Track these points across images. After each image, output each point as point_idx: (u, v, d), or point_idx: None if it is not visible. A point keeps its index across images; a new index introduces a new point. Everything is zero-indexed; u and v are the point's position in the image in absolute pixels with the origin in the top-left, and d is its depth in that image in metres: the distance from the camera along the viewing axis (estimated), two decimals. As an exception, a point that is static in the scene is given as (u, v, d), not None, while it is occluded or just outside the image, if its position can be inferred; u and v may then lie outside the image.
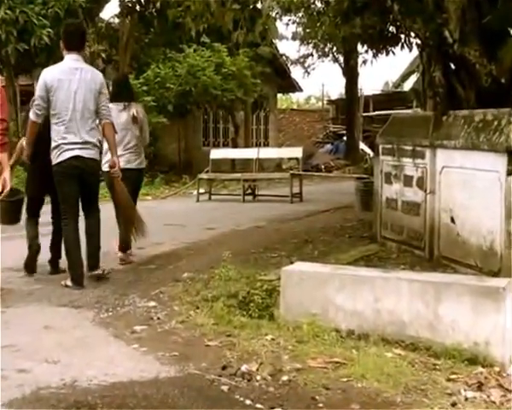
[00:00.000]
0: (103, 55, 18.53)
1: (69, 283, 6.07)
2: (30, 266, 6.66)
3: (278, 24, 21.65)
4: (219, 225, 10.34)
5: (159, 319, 4.93)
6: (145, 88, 17.85)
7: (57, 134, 6.09)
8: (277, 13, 20.00)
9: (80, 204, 6.43)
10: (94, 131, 6.27)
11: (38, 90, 6.15)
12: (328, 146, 27.16)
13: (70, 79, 6.09)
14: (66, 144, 6.08)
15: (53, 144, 6.13)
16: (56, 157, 6.12)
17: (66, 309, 5.25)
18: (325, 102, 35.46)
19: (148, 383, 3.65)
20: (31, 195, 6.77)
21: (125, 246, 7.31)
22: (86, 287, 5.97)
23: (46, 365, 3.91)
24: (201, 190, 14.96)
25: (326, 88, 49.72)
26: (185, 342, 4.37)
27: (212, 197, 14.93)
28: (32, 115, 6.23)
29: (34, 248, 6.70)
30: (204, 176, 15.48)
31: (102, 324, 4.84)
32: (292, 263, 5.71)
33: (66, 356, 4.06)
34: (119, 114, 7.24)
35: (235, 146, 22.25)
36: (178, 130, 20.82)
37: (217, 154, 16.85)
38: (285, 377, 3.70)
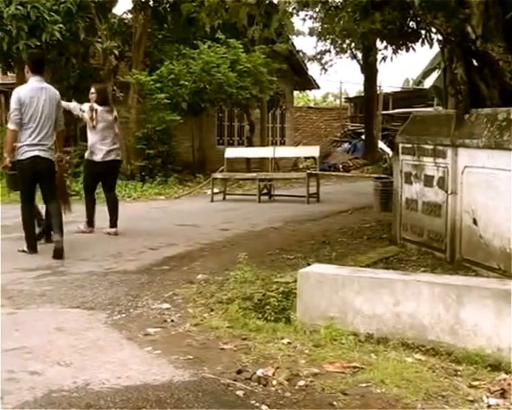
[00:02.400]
0: (116, 52, 18.57)
1: (25, 249, 7.93)
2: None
3: (295, 19, 21.68)
4: (234, 225, 10.36)
5: (172, 321, 4.94)
6: (158, 85, 17.90)
7: (25, 137, 7.75)
8: (294, 8, 19.95)
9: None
10: (51, 137, 7.99)
11: (14, 104, 7.80)
12: (346, 145, 27.08)
13: (38, 97, 7.82)
14: (30, 145, 7.76)
15: (20, 144, 7.78)
16: (22, 154, 7.78)
17: (78, 311, 5.28)
18: (343, 99, 35.38)
19: (162, 386, 3.66)
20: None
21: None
22: (98, 288, 6.00)
23: (58, 367, 3.93)
24: (216, 190, 14.98)
25: (344, 85, 49.50)
26: (199, 345, 4.38)
27: (227, 197, 14.94)
28: (11, 125, 7.88)
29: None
30: (218, 175, 15.49)
31: (115, 326, 4.86)
32: (309, 265, 5.71)
33: (79, 359, 4.08)
34: (107, 115, 9.62)
35: (250, 145, 22.22)
36: (192, 128, 20.84)
37: (232, 153, 16.85)
38: (302, 382, 3.70)
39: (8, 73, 19.38)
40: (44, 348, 4.28)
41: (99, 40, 18.12)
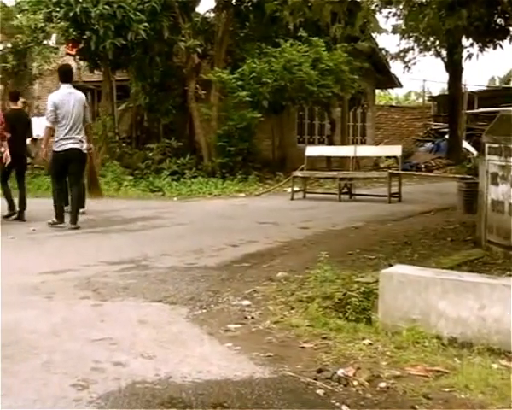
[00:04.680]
0: (199, 50, 18.83)
1: (55, 219, 9.85)
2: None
3: (378, 17, 21.40)
4: (314, 224, 10.34)
5: (253, 318, 4.96)
6: (240, 83, 18.03)
7: (61, 133, 9.76)
8: (377, 5, 19.69)
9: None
10: (82, 132, 9.96)
11: (50, 107, 9.91)
12: (429, 144, 26.62)
13: (68, 100, 9.84)
14: (65, 139, 9.73)
15: (56, 139, 9.81)
16: (58, 147, 9.77)
17: (160, 305, 5.36)
18: (426, 98, 34.80)
19: (242, 382, 3.67)
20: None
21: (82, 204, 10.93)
22: (180, 283, 6.08)
23: (141, 359, 4.00)
24: (296, 188, 14.98)
25: (427, 84, 48.75)
26: (280, 342, 4.39)
27: (307, 195, 14.93)
28: (47, 123, 10.05)
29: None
30: (299, 174, 15.48)
31: (196, 321, 4.91)
32: (390, 265, 5.63)
33: (161, 352, 4.15)
34: None
35: (330, 143, 22.14)
36: (273, 126, 20.91)
37: (312, 151, 16.82)
38: (383, 384, 3.65)
39: (95, 72, 19.89)
40: (128, 340, 4.37)
41: (182, 39, 18.41)
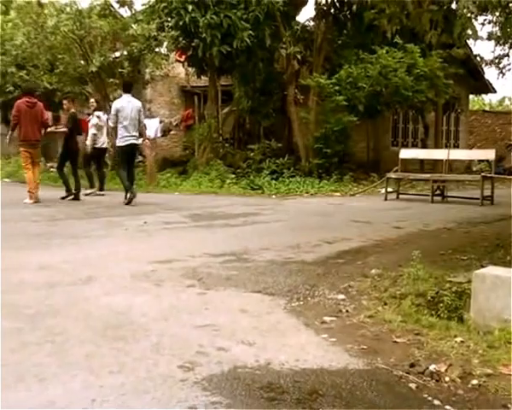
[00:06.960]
0: (298, 57, 18.86)
1: (125, 200, 12.40)
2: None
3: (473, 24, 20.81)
4: (407, 224, 10.16)
5: (347, 311, 4.92)
6: (337, 88, 17.95)
7: (122, 131, 12.59)
8: (472, 12, 19.16)
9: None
10: (137, 131, 12.72)
11: (113, 111, 12.80)
12: (522, 149, 25.66)
13: (127, 106, 12.61)
14: (126, 136, 12.57)
15: (119, 136, 12.68)
16: (121, 142, 12.64)
17: (260, 295, 5.40)
18: (520, 103, 33.52)
19: (337, 372, 3.65)
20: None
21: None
22: (278, 276, 6.11)
23: (242, 345, 4.05)
24: (389, 189, 14.79)
25: (521, 89, 46.74)
26: (373, 336, 4.34)
27: (400, 196, 14.70)
28: (110, 123, 13.29)
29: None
30: (393, 175, 15.29)
31: (294, 312, 4.92)
32: (483, 267, 5.46)
33: (261, 339, 4.18)
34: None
35: (424, 147, 21.72)
36: (367, 129, 20.71)
37: (406, 153, 16.55)
38: (475, 381, 3.55)
39: (202, 77, 20.23)
40: (230, 327, 4.43)
41: (283, 46, 18.51)
